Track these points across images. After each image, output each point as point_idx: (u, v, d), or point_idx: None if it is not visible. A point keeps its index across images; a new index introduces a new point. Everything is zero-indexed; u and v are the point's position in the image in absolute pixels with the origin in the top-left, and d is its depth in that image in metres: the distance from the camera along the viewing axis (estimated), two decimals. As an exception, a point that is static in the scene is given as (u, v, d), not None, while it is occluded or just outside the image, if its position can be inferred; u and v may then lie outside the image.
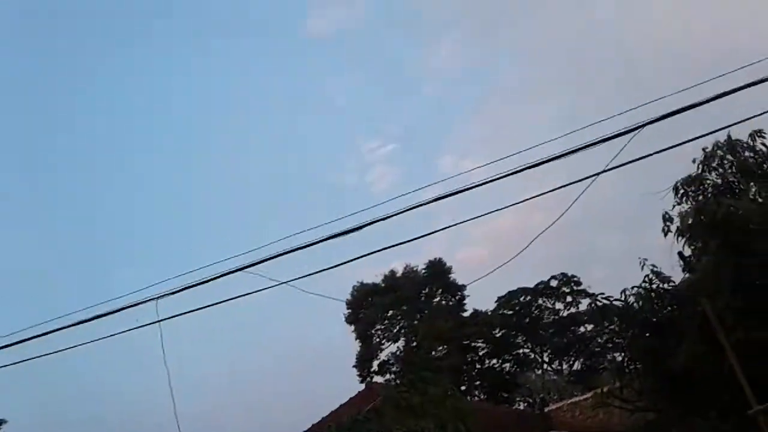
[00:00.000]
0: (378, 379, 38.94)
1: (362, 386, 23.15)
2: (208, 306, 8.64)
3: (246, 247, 8.91)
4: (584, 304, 39.36)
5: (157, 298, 8.24)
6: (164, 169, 52.10)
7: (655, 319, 10.28)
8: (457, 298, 43.55)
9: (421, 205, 8.79)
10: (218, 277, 8.37)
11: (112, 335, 8.58)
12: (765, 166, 10.85)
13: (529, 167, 8.47)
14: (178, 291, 8.39)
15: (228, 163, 57.47)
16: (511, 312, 41.57)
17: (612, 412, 22.34)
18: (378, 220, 8.59)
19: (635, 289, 10.54)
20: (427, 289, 43.71)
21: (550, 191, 8.66)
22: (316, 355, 51.45)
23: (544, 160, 8.43)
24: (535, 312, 42.11)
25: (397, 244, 9.03)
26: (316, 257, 9.52)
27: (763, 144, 10.77)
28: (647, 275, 10.57)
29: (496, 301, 41.50)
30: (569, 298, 41.60)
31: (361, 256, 8.92)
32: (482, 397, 38.39)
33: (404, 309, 42.63)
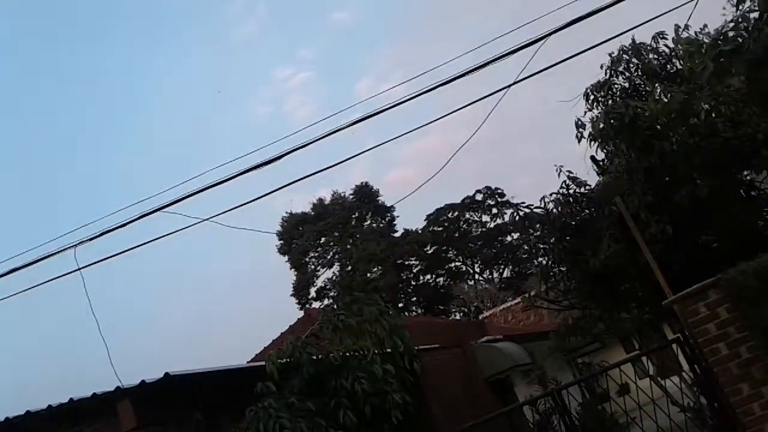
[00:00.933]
0: (317, 305, 39.52)
1: (302, 313, 23.43)
2: (129, 249, 8.42)
3: (165, 186, 8.68)
4: (509, 214, 40.72)
5: (76, 245, 7.96)
6: (77, 109, 49.53)
7: (573, 223, 10.68)
8: (387, 219, 44.18)
9: (341, 129, 8.69)
10: (137, 218, 8.14)
11: (29, 288, 8.26)
12: (668, 67, 11.17)
13: (445, 83, 8.46)
14: (97, 236, 8.13)
15: (142, 104, 55.11)
16: (440, 228, 42.59)
17: (541, 314, 23.58)
18: (298, 148, 8.45)
19: (553, 195, 10.88)
20: (357, 214, 44.10)
21: (467, 105, 8.72)
22: (252, 288, 51.61)
23: (459, 74, 8.44)
24: (464, 226, 43.29)
25: (320, 171, 8.97)
26: (240, 190, 9.37)
27: (666, 45, 11.04)
28: (564, 181, 10.90)
29: (425, 219, 42.40)
30: (494, 210, 42.92)
31: (283, 186, 8.83)
32: (419, 311, 39.64)
33: (336, 235, 42.96)
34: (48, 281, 8.25)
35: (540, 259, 13.14)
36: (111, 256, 8.39)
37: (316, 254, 43.48)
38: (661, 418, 7.97)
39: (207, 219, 8.61)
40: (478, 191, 42.47)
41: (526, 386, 16.28)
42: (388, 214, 43.83)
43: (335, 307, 10.42)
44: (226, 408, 7.92)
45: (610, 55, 11.13)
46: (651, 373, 11.42)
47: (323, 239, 43.31)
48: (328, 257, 43.25)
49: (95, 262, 8.26)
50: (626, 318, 12.26)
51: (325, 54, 60.08)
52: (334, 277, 42.10)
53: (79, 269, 7.97)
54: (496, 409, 12.11)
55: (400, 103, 8.68)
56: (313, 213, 43.59)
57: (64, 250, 8.01)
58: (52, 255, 8.14)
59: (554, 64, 8.41)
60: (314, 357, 8.42)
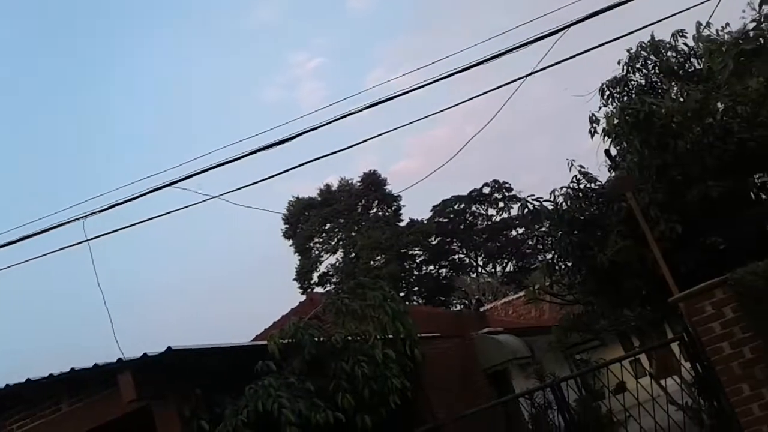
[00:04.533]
0: (318, 290, 39.57)
1: (303, 298, 23.45)
2: (138, 223, 8.45)
3: (175, 162, 8.69)
4: (516, 209, 40.47)
5: (84, 216, 7.97)
6: (91, 84, 49.63)
7: (582, 218, 10.62)
8: (393, 208, 44.14)
9: (351, 113, 8.65)
10: (146, 193, 8.15)
11: (39, 256, 8.30)
12: (686, 65, 11.07)
13: (458, 72, 8.39)
14: (106, 209, 8.14)
15: (154, 81, 55.14)
16: (446, 220, 42.60)
17: (543, 308, 23.56)
18: (309, 130, 8.43)
19: (564, 189, 10.82)
20: (363, 201, 44.08)
21: (479, 95, 8.67)
22: (256, 270, 51.79)
23: (472, 64, 8.37)
24: (469, 218, 43.31)
25: (329, 154, 8.95)
26: (249, 171, 9.37)
27: (685, 44, 10.93)
28: (575, 176, 10.83)
29: (431, 210, 42.41)
30: (501, 204, 42.90)
31: (292, 168, 8.81)
32: (421, 302, 39.68)
33: (341, 221, 43.00)
34: (56, 251, 8.28)
35: (545, 254, 13.10)
36: (119, 229, 8.43)
37: (321, 240, 43.54)
38: (658, 417, 7.96)
39: (216, 196, 8.63)
40: (486, 184, 42.46)
41: (524, 380, 16.30)
42: (395, 203, 43.79)
43: (339, 290, 10.43)
44: (225, 385, 7.94)
45: (628, 51, 11.03)
46: (651, 372, 11.40)
47: (328, 225, 43.35)
48: (333, 243, 43.30)
49: (103, 234, 8.29)
50: (629, 316, 12.23)
51: (339, 42, 59.99)
52: (337, 264, 42.17)
53: (88, 240, 8.00)
54: (494, 400, 12.14)
55: (410, 90, 8.63)
56: (319, 199, 43.58)
57: (73, 220, 8.03)
58: (61, 225, 8.16)
59: (570, 57, 8.33)
60: (316, 339, 8.44)
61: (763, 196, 10.26)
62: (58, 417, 8.18)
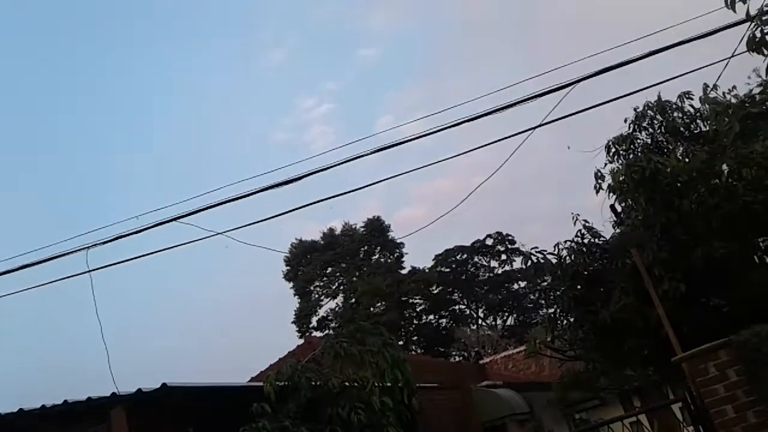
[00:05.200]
0: (317, 334, 39.24)
1: (302, 341, 23.24)
2: (141, 256, 8.44)
3: (180, 197, 8.72)
4: (518, 262, 40.45)
5: (88, 247, 7.98)
6: (100, 119, 50.27)
7: (586, 272, 10.60)
8: (395, 255, 44.06)
9: (358, 157, 8.71)
10: (152, 226, 8.17)
11: (40, 285, 8.27)
12: (692, 126, 11.19)
13: (465, 121, 8.49)
14: (110, 240, 8.15)
15: (164, 116, 55.87)
16: (447, 269, 42.42)
17: (543, 364, 23.27)
18: (316, 172, 8.49)
19: (567, 243, 10.83)
20: (366, 247, 44.02)
21: (486, 145, 8.75)
22: (256, 311, 51.44)
23: (480, 114, 8.47)
24: (471, 269, 43.12)
25: (334, 196, 8.96)
26: (254, 211, 9.41)
27: (691, 105, 11.07)
28: (579, 230, 10.86)
29: (433, 259, 42.25)
30: (504, 256, 42.77)
31: (298, 208, 8.84)
32: (420, 351, 39.24)
33: (343, 266, 42.87)
34: (57, 280, 8.26)
35: (547, 308, 13.01)
36: (122, 261, 8.41)
37: (322, 283, 43.36)
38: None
39: (220, 233, 8.63)
40: (489, 236, 42.40)
41: (522, 436, 16.00)
42: (397, 250, 43.73)
43: (339, 334, 10.34)
44: (219, 425, 7.81)
45: (635, 109, 11.17)
46: (652, 433, 11.19)
47: (330, 269, 43.23)
48: (333, 287, 43.10)
49: (106, 266, 8.28)
50: (631, 375, 12.07)
51: (348, 88, 60.88)
52: (337, 308, 41.89)
53: (89, 271, 7.98)
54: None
55: (418, 138, 8.72)
56: (322, 242, 43.59)
57: (77, 250, 8.04)
58: (64, 255, 8.16)
59: (577, 112, 8.42)
60: (313, 382, 8.35)
61: (767, 260, 10.23)
62: (48, 451, 8.06)
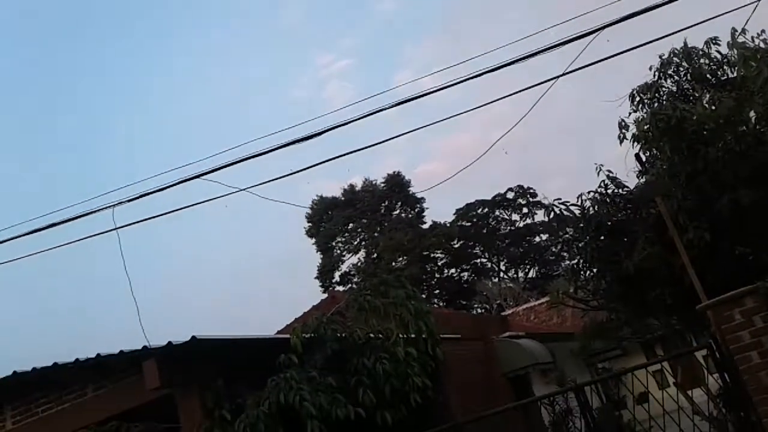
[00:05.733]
0: (340, 289, 39.68)
1: (325, 296, 23.53)
2: (166, 213, 8.55)
3: (203, 154, 8.78)
4: (540, 215, 40.29)
5: (114, 205, 8.10)
6: (125, 75, 50.44)
7: (609, 223, 10.54)
8: (416, 210, 44.12)
9: (378, 111, 8.65)
10: (176, 184, 8.25)
11: (68, 243, 8.44)
12: (719, 73, 10.92)
13: (485, 73, 8.36)
14: (135, 198, 8.26)
15: (185, 75, 55.82)
16: (468, 224, 42.42)
17: (565, 315, 23.39)
18: (335, 127, 8.46)
19: (591, 194, 10.74)
20: (386, 203, 44.10)
21: (505, 97, 8.63)
22: (279, 267, 52.11)
23: (500, 65, 8.33)
24: (492, 223, 43.08)
25: (354, 151, 8.97)
26: (275, 168, 9.45)
27: (718, 51, 10.77)
28: (603, 181, 10.74)
29: (454, 214, 42.25)
30: (525, 210, 42.61)
31: (320, 163, 8.86)
32: (442, 305, 39.58)
33: (364, 222, 43.07)
34: (85, 238, 8.42)
35: (569, 260, 13.00)
36: (148, 218, 8.52)
37: (343, 239, 43.67)
38: (684, 426, 7.85)
39: (243, 189, 8.70)
40: (510, 189, 42.20)
41: (544, 386, 16.19)
42: (418, 206, 43.77)
43: (362, 288, 10.46)
44: (248, 377, 8.01)
45: (660, 57, 10.91)
46: (676, 381, 11.25)
47: (351, 225, 43.47)
48: (355, 243, 43.41)
49: (132, 223, 8.41)
50: (654, 324, 12.09)
51: (365, 44, 60.12)
52: (359, 264, 42.26)
53: (116, 228, 8.12)
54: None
55: (436, 90, 8.61)
56: (343, 198, 43.73)
57: (103, 208, 8.16)
58: (91, 213, 8.30)
59: (600, 60, 8.25)
60: (338, 334, 8.48)
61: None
62: (82, 402, 8.33)
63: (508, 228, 43.31)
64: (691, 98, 10.74)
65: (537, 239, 42.41)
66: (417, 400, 8.34)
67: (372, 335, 8.60)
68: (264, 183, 8.87)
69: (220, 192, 8.87)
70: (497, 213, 43.12)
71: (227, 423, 7.35)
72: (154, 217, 8.58)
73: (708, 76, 10.83)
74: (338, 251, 43.32)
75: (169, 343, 7.27)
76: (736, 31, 8.18)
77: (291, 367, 7.78)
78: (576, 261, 11.73)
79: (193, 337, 7.24)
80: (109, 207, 8.32)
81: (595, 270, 11.21)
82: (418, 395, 8.37)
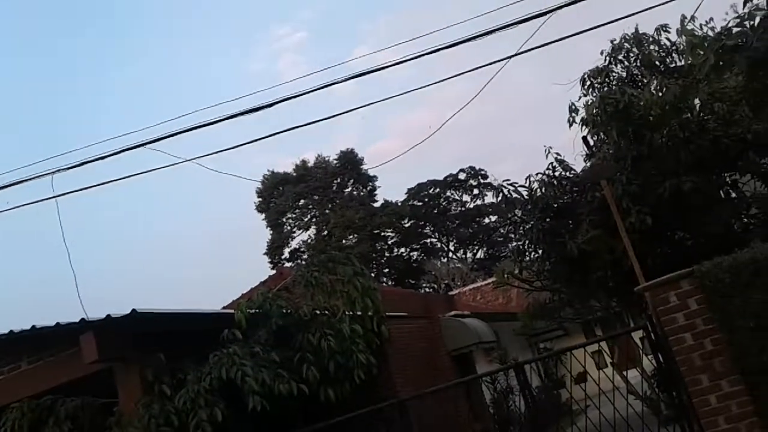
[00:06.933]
0: (289, 265, 39.47)
1: (274, 272, 23.36)
2: (108, 182, 8.28)
3: (149, 123, 8.51)
4: (490, 196, 40.84)
5: (53, 172, 7.79)
6: (68, 42, 48.56)
7: (555, 205, 10.70)
8: (368, 189, 44.06)
9: (332, 84, 8.55)
10: (119, 152, 7.98)
11: (4, 210, 8.10)
12: (668, 60, 11.14)
13: (441, 49, 8.33)
14: (76, 166, 7.96)
15: (137, 41, 54.09)
16: (420, 203, 42.68)
17: (510, 296, 23.77)
18: (288, 98, 8.32)
19: (539, 176, 10.89)
20: (339, 180, 43.88)
21: (461, 74, 8.63)
22: (227, 242, 51.43)
23: (456, 42, 8.30)
24: (443, 203, 43.44)
25: (307, 124, 8.85)
26: (227, 140, 9.25)
27: (668, 39, 10.99)
28: (551, 163, 10.91)
29: (406, 193, 42.41)
30: (476, 191, 43.10)
31: (269, 135, 8.71)
32: (391, 283, 39.79)
33: (315, 198, 42.80)
34: (23, 205, 8.09)
35: (516, 241, 13.18)
36: (88, 187, 8.24)
37: (294, 216, 43.33)
38: (618, 406, 8.07)
39: (189, 159, 8.49)
40: (462, 170, 42.57)
41: (487, 364, 16.47)
42: (370, 184, 43.70)
43: (310, 264, 10.38)
44: (190, 352, 7.86)
45: (611, 41, 11.07)
46: (613, 361, 11.58)
47: (302, 201, 43.14)
48: (306, 220, 43.13)
49: (72, 191, 8.11)
50: (595, 306, 12.39)
51: (323, 17, 59.32)
52: (309, 240, 42.03)
53: (56, 197, 7.82)
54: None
55: (392, 65, 8.56)
56: (295, 174, 43.29)
57: (42, 175, 7.84)
58: (29, 179, 7.97)
59: (553, 42, 8.30)
60: (284, 310, 8.41)
61: (733, 195, 10.42)
62: (17, 375, 8.06)
63: (459, 209, 43.75)
64: (640, 84, 10.94)
65: (486, 220, 42.98)
66: (361, 376, 8.35)
67: (318, 311, 8.55)
68: (211, 154, 8.68)
69: (166, 162, 8.64)
70: (449, 194, 43.47)
71: (167, 398, 7.22)
72: (94, 185, 8.31)
73: (657, 62, 11.04)
74: (289, 227, 42.98)
75: (108, 315, 7.06)
76: (686, 18, 8.31)
77: (234, 342, 7.68)
78: (522, 242, 11.90)
79: (134, 310, 7.05)
80: (48, 174, 8.01)
81: (540, 251, 11.38)
82: (362, 372, 8.38)
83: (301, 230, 43.01)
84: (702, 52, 7.07)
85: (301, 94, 8.37)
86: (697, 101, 9.64)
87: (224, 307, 15.21)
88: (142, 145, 8.01)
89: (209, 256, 50.85)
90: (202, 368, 7.43)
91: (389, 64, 8.17)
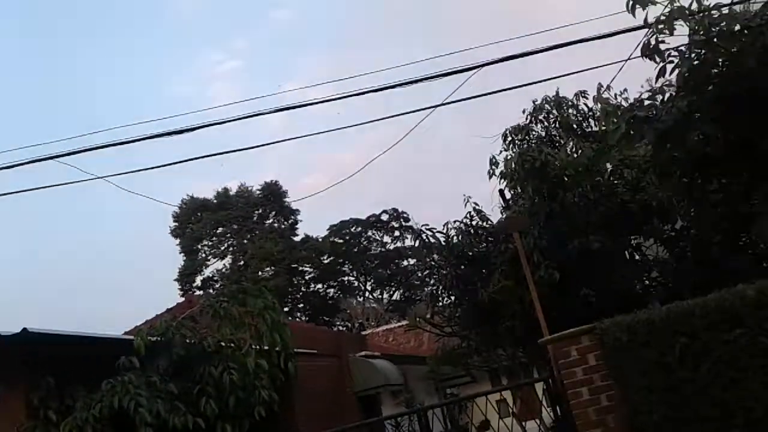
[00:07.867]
0: (199, 294, 38.37)
1: (182, 300, 22.62)
2: (12, 193, 7.87)
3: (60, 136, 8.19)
4: (410, 239, 41.17)
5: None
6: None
7: (470, 253, 10.94)
8: (290, 222, 43.70)
9: (259, 114, 8.54)
10: (27, 162, 7.62)
11: None
12: (584, 124, 11.74)
13: (370, 91, 8.50)
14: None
15: (64, 50, 52.27)
16: (341, 240, 42.60)
17: (422, 339, 23.91)
18: (213, 124, 8.23)
19: (457, 223, 11.12)
20: (260, 210, 43.34)
21: (387, 117, 8.82)
22: (136, 266, 49.53)
23: (385, 86, 8.50)
24: (364, 243, 43.54)
25: (230, 151, 8.78)
26: (146, 160, 9.02)
27: (585, 104, 11.62)
28: (469, 212, 11.19)
29: (328, 229, 42.27)
30: (397, 233, 43.44)
31: (189, 159, 8.56)
32: (305, 319, 39.28)
33: (235, 227, 42.04)
34: None
35: (432, 285, 13.34)
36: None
37: (210, 243, 42.31)
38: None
39: (100, 177, 8.19)
40: (385, 211, 42.91)
41: (394, 406, 16.41)
42: (292, 217, 43.37)
43: (220, 294, 10.13)
44: (83, 378, 7.48)
45: (533, 102, 11.56)
46: (514, 411, 11.74)
47: (221, 229, 42.24)
48: (222, 248, 42.19)
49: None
50: (502, 355, 12.62)
51: (257, 48, 59.30)
52: (224, 270, 41.07)
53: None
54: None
55: (321, 102, 8.67)
56: (215, 201, 42.45)
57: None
58: None
59: (479, 95, 8.66)
60: (188, 340, 8.15)
61: (637, 257, 10.92)
62: None
63: (379, 249, 43.92)
64: (557, 144, 11.44)
65: (405, 263, 43.26)
66: (261, 413, 8.13)
67: (223, 344, 8.32)
68: (126, 173, 8.43)
69: (76, 177, 8.31)
70: (370, 233, 43.64)
71: (52, 425, 6.84)
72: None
73: (574, 125, 11.60)
74: (204, 255, 41.89)
75: (-5, 333, 6.64)
76: (602, 86, 8.80)
77: (131, 370, 7.38)
78: (436, 287, 12.05)
79: (24, 329, 6.66)
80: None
81: (453, 297, 11.55)
82: (263, 409, 8.17)
83: (217, 259, 42.01)
84: (615, 120, 7.46)
85: (227, 121, 8.29)
86: (608, 166, 10.14)
87: (126, 333, 14.60)
88: (51, 157, 7.68)
89: (117, 279, 48.72)
90: (93, 395, 7.08)
91: (316, 101, 8.26)
